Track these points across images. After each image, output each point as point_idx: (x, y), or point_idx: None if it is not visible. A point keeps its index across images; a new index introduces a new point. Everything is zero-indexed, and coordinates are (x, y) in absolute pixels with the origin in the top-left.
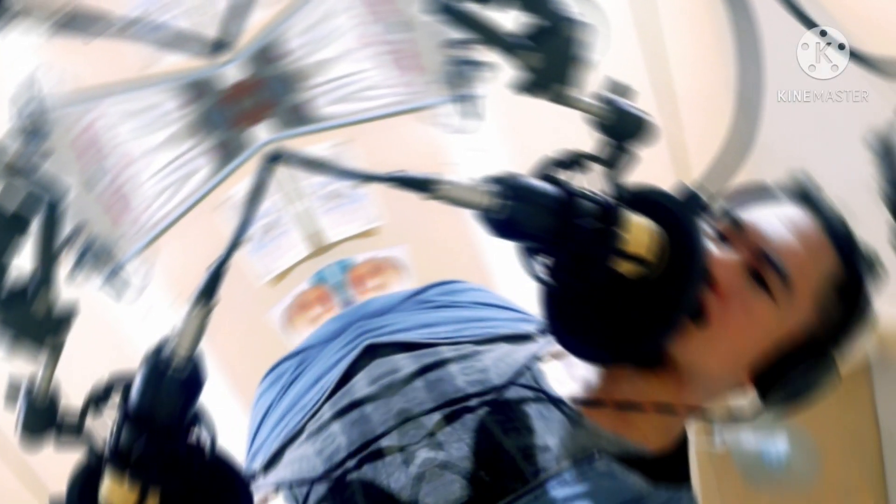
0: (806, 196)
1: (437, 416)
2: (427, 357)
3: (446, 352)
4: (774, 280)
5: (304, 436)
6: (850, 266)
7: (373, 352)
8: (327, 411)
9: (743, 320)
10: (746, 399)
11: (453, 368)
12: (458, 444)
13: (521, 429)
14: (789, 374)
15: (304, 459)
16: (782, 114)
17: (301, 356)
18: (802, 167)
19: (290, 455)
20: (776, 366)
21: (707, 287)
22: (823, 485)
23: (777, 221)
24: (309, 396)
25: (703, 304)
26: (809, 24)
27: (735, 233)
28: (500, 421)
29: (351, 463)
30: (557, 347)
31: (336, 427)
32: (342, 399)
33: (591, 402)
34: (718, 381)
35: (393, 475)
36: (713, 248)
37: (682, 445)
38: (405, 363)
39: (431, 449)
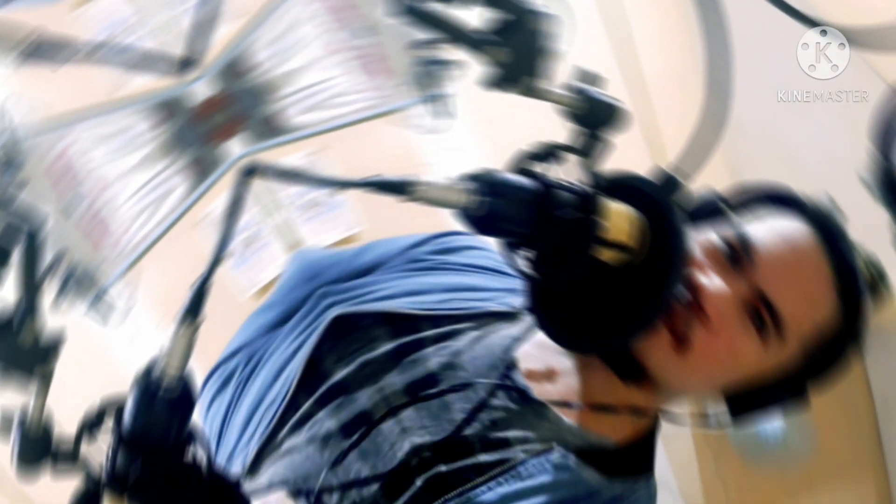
0: (828, 229)
1: (406, 403)
2: (406, 335)
3: (426, 328)
4: (768, 325)
5: (285, 429)
6: (849, 317)
7: (351, 323)
8: (305, 400)
9: (726, 356)
10: (715, 405)
11: (429, 350)
12: (420, 431)
13: (485, 420)
14: (761, 402)
15: (296, 450)
16: (753, 90)
17: (246, 351)
18: (775, 143)
19: (277, 451)
20: (750, 392)
21: (698, 317)
22: (821, 458)
23: (788, 257)
24: (276, 390)
25: (689, 333)
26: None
27: (745, 258)
28: (464, 410)
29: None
30: (534, 347)
31: (322, 414)
32: (318, 385)
33: (567, 404)
34: (690, 395)
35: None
36: (713, 275)
37: (647, 437)
38: (383, 340)
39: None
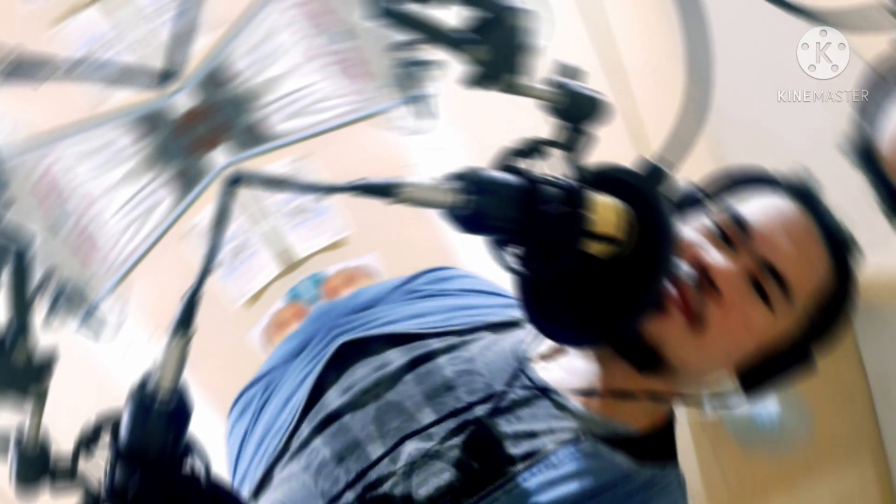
0: (806, 196)
1: (427, 410)
2: (417, 349)
3: (435, 343)
4: (775, 291)
5: (286, 456)
6: (842, 273)
7: (358, 348)
8: (306, 428)
9: (740, 328)
10: (729, 383)
11: (441, 360)
12: (446, 434)
13: (509, 416)
14: (772, 372)
15: (293, 478)
16: (733, 76)
17: (266, 380)
18: (758, 127)
19: (277, 477)
20: (760, 363)
21: (710, 295)
22: (818, 440)
23: (779, 224)
24: (283, 417)
25: (704, 312)
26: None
27: (739, 235)
28: (488, 409)
29: (350, 495)
30: (546, 346)
31: (318, 441)
32: (318, 413)
33: (587, 392)
34: (706, 376)
35: (383, 475)
36: (715, 253)
37: (667, 424)
38: (394, 356)
39: (421, 440)
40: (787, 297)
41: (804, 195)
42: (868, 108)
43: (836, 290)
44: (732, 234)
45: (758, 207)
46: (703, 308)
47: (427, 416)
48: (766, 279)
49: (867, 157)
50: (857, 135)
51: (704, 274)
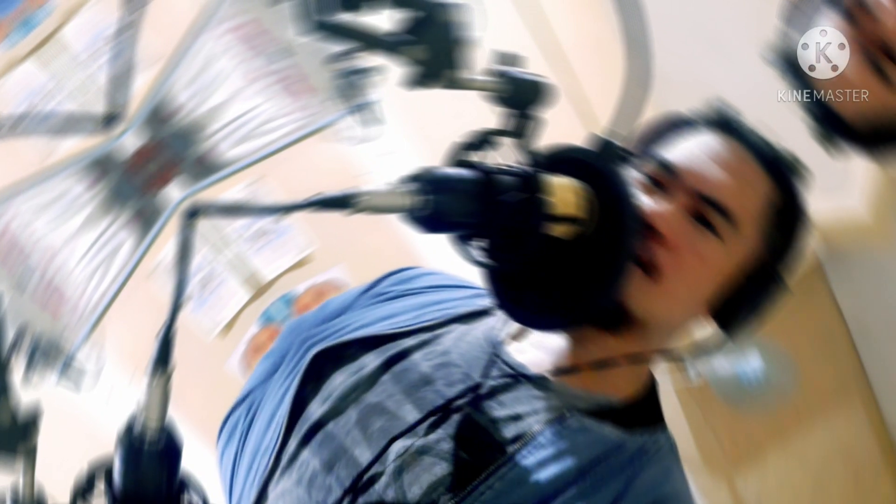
0: (726, 123)
1: (408, 406)
2: (390, 349)
3: (407, 341)
4: (718, 219)
5: (277, 473)
6: (784, 185)
7: (333, 356)
8: (292, 442)
9: (695, 265)
10: (708, 330)
11: (416, 356)
12: (431, 428)
13: (491, 402)
14: (744, 301)
15: (287, 494)
16: (673, 41)
17: (248, 401)
18: (703, 86)
19: (272, 495)
20: (731, 296)
21: (655, 241)
22: (806, 390)
23: (705, 157)
24: (269, 436)
25: (654, 259)
26: None
27: (668, 178)
28: (470, 398)
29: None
30: (515, 326)
31: (306, 454)
32: (302, 426)
33: (567, 369)
34: (679, 324)
35: (374, 477)
36: (650, 200)
37: (651, 389)
38: (369, 359)
39: (407, 437)
40: (731, 222)
41: (724, 123)
42: (797, 16)
43: (785, 204)
44: (662, 178)
45: (682, 148)
46: (653, 255)
47: (409, 413)
48: (706, 210)
49: (794, 67)
50: (784, 44)
51: (645, 221)
